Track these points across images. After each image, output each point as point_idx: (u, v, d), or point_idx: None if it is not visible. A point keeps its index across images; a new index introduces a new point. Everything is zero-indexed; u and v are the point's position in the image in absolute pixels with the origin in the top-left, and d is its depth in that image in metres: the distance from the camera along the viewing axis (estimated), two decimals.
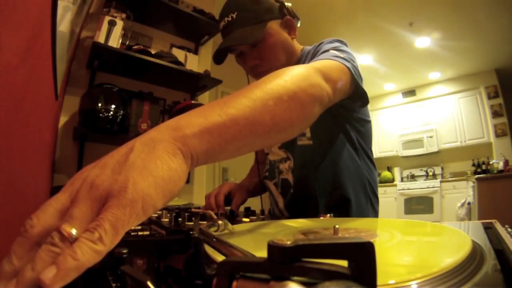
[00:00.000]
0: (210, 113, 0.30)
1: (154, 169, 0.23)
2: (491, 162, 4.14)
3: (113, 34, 1.52)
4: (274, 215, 0.85)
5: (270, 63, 0.73)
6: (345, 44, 0.70)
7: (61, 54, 0.91)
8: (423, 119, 5.04)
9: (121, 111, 1.51)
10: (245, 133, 0.31)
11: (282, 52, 0.74)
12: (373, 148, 0.84)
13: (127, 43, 1.66)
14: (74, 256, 0.18)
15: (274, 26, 0.72)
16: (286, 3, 0.74)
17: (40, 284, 0.18)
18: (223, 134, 0.29)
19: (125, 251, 0.24)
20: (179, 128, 0.27)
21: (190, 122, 0.28)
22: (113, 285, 0.23)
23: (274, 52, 0.73)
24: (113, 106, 1.48)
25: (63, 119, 1.55)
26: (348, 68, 0.56)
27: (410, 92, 5.25)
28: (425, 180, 4.82)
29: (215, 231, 0.40)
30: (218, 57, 0.75)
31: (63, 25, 0.84)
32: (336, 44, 0.67)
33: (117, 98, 1.52)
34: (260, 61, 0.73)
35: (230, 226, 0.42)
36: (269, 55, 0.72)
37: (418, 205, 4.52)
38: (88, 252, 0.19)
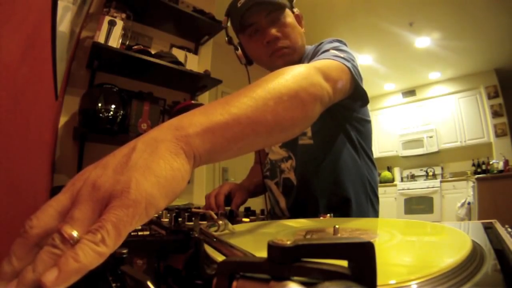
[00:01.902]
0: (212, 113, 0.30)
1: (157, 169, 0.23)
2: (491, 162, 4.14)
3: (113, 34, 1.52)
4: (274, 215, 0.85)
5: (290, 40, 0.74)
6: (345, 44, 0.70)
7: (61, 54, 0.91)
8: (423, 119, 5.04)
9: (121, 111, 1.51)
10: (247, 132, 0.31)
11: (298, 35, 0.76)
12: (373, 148, 0.84)
13: (127, 43, 1.66)
14: (76, 258, 0.18)
15: (289, 13, 0.76)
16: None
17: (41, 286, 0.17)
18: (225, 133, 0.29)
19: (125, 251, 0.24)
20: (182, 128, 0.27)
21: (193, 121, 0.28)
22: (113, 285, 0.23)
23: (293, 30, 0.75)
24: (113, 106, 1.48)
25: (63, 119, 1.55)
26: (348, 67, 0.56)
27: (410, 92, 5.24)
28: (425, 180, 4.82)
29: (215, 231, 0.40)
30: (243, 19, 0.72)
31: (63, 25, 0.84)
32: (336, 44, 0.67)
33: (117, 98, 1.52)
34: (281, 35, 0.73)
35: (230, 226, 0.42)
36: (289, 32, 0.74)
37: (418, 205, 4.52)
38: (91, 254, 0.19)
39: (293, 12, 0.78)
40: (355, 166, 0.76)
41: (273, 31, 0.72)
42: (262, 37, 0.74)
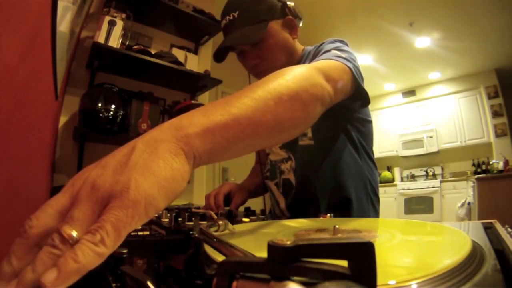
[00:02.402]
0: (212, 113, 0.29)
1: (156, 169, 0.23)
2: (491, 162, 4.14)
3: (113, 34, 1.52)
4: (275, 215, 0.85)
5: (270, 63, 0.73)
6: (346, 44, 0.70)
7: (61, 54, 0.91)
8: (423, 119, 5.04)
9: (121, 111, 1.51)
10: (247, 133, 0.31)
11: (282, 52, 0.74)
12: (373, 148, 0.84)
13: (127, 43, 1.66)
14: (76, 259, 0.18)
15: (275, 26, 0.72)
16: (288, 3, 0.74)
17: (41, 286, 0.17)
18: (225, 134, 0.29)
19: (125, 251, 0.24)
20: (182, 128, 0.27)
21: (193, 121, 0.28)
22: (113, 285, 0.23)
23: (274, 52, 0.73)
24: (113, 106, 1.48)
25: (63, 119, 1.55)
26: (350, 68, 0.56)
27: (410, 92, 5.25)
28: (425, 180, 4.82)
29: (216, 231, 0.40)
30: (219, 56, 0.75)
31: (63, 25, 0.84)
32: (338, 44, 0.67)
33: (117, 98, 1.52)
34: (260, 60, 0.73)
35: (230, 226, 0.42)
36: (269, 55, 0.73)
37: (418, 205, 4.52)
38: (90, 255, 0.19)
39: (284, 16, 0.73)
40: (356, 166, 0.76)
41: (251, 59, 0.74)
42: (245, 60, 0.76)
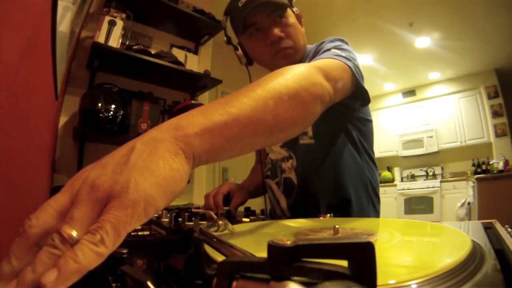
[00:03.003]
0: (212, 112, 0.30)
1: (155, 169, 0.23)
2: (491, 162, 4.14)
3: (113, 34, 1.52)
4: (275, 215, 0.85)
5: (293, 40, 0.74)
6: (347, 43, 0.70)
7: (61, 54, 0.91)
8: (423, 119, 5.04)
9: (121, 111, 1.51)
10: (247, 132, 0.31)
11: (301, 36, 0.77)
12: (373, 148, 0.84)
13: (127, 43, 1.66)
14: (76, 259, 0.18)
15: (291, 13, 0.76)
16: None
17: (41, 287, 0.17)
18: (225, 133, 0.29)
19: (125, 251, 0.24)
20: (181, 128, 0.27)
21: (192, 121, 0.28)
22: (113, 285, 0.23)
23: (296, 31, 0.75)
24: (113, 106, 1.48)
25: (63, 119, 1.55)
26: (350, 67, 0.56)
27: (410, 92, 5.25)
28: (425, 180, 4.82)
29: (215, 231, 0.40)
30: (245, 18, 0.71)
31: (63, 25, 0.84)
32: (338, 43, 0.67)
33: (117, 98, 1.52)
34: (285, 35, 0.73)
35: (230, 226, 0.42)
36: (292, 32, 0.74)
37: (418, 205, 4.52)
38: (90, 255, 0.19)
39: (293, 12, 0.77)
40: (356, 166, 0.76)
41: (276, 31, 0.72)
42: (264, 37, 0.73)
